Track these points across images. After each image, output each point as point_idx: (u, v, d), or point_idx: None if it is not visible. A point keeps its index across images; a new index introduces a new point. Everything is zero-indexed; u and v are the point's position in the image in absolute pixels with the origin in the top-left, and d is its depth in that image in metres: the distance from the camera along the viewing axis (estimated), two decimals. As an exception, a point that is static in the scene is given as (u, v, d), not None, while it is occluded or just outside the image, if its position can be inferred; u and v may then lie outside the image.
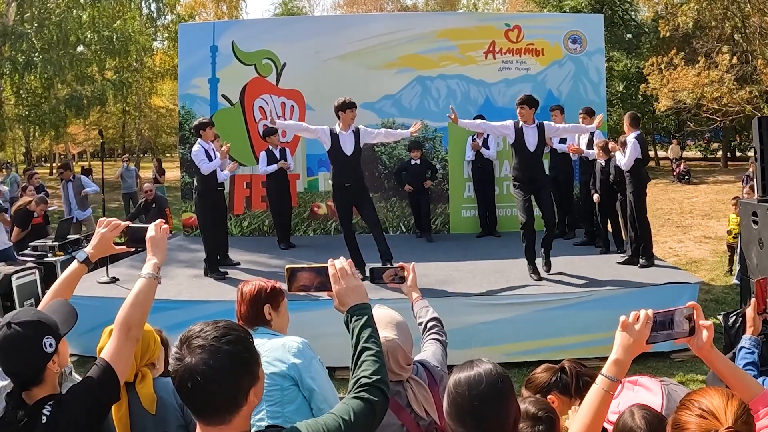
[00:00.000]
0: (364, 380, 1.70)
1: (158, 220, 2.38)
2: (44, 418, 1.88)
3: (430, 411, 2.32)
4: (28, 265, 7.53)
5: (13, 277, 7.03)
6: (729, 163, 27.44)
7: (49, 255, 8.26)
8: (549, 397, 2.64)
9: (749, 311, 2.76)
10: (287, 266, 2.01)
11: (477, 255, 7.72)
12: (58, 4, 20.08)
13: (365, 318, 1.82)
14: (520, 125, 6.56)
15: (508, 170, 9.52)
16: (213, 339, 1.53)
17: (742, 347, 2.74)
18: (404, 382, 2.33)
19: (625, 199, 7.07)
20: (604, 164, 7.47)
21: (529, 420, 2.00)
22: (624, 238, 7.52)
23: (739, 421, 1.48)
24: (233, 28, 10.05)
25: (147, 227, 2.34)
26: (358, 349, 1.77)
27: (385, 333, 2.29)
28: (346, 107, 6.53)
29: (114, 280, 6.93)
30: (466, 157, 9.28)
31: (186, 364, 1.51)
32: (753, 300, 2.75)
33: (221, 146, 7.35)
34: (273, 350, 2.57)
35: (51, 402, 1.92)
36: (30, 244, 8.59)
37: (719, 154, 29.35)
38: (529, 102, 6.55)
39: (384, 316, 2.36)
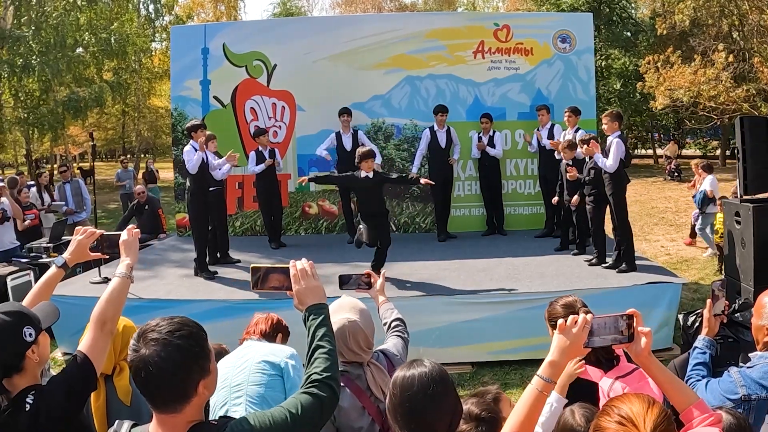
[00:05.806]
0: (315, 376, 1.80)
1: (130, 225, 2.58)
2: (27, 406, 2.00)
3: None
4: (23, 266, 7.63)
5: (8, 279, 7.12)
6: (727, 161, 27.41)
7: (43, 256, 8.35)
8: (559, 323, 2.72)
9: (705, 313, 2.79)
10: (252, 265, 2.11)
11: (464, 254, 7.78)
12: (56, 6, 20.11)
13: (321, 317, 1.92)
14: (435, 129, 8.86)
15: (512, 170, 9.61)
16: (166, 333, 1.65)
17: (695, 347, 2.77)
18: (364, 365, 2.46)
19: (594, 201, 6.93)
20: (571, 163, 7.29)
21: (472, 421, 2.06)
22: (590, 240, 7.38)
23: (658, 429, 1.48)
24: (224, 30, 10.11)
25: (120, 234, 2.51)
26: (312, 346, 1.87)
27: (348, 315, 2.45)
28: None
29: (106, 280, 7.00)
30: (472, 155, 9.32)
31: (141, 355, 1.63)
32: (708, 301, 2.77)
33: (215, 145, 7.49)
34: (272, 348, 2.91)
35: (33, 392, 2.04)
36: (25, 245, 8.67)
37: (718, 152, 29.31)
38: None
39: (349, 302, 2.52)
